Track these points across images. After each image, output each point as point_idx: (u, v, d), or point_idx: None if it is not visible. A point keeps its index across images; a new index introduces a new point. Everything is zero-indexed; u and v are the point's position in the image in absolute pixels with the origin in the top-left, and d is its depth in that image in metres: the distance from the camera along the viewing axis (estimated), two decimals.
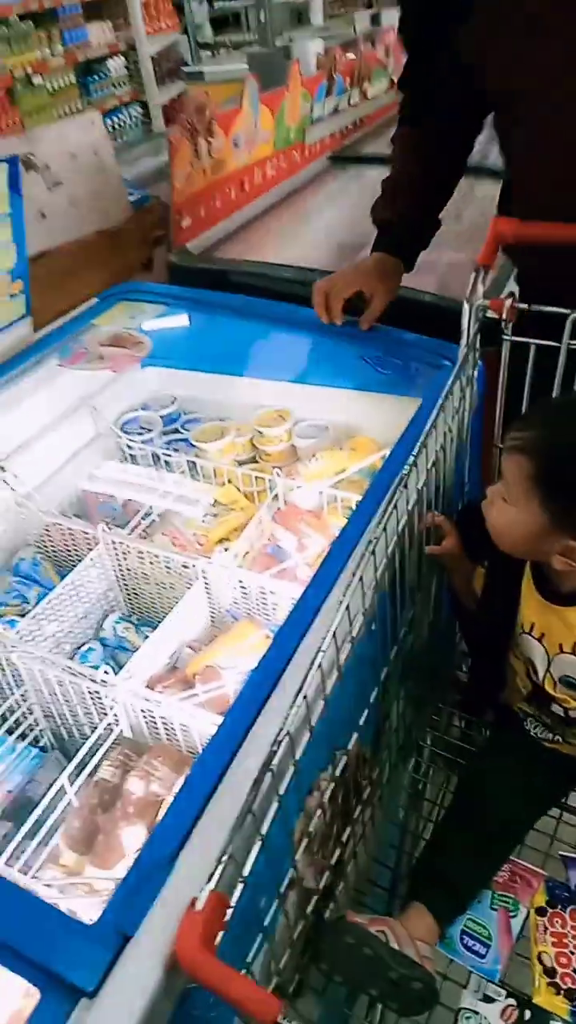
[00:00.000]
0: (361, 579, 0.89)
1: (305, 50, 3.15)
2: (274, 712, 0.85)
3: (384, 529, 0.94)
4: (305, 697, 0.77)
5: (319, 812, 0.90)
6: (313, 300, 1.60)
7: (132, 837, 1.05)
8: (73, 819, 1.09)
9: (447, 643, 1.49)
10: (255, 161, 2.56)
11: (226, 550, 1.42)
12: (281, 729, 0.74)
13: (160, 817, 0.92)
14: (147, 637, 1.28)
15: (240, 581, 1.33)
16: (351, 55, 3.23)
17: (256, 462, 1.68)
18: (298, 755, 0.77)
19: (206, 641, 1.36)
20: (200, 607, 1.37)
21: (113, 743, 1.16)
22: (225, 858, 0.65)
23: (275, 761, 0.72)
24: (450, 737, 1.34)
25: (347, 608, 0.86)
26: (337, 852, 1.00)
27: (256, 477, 1.56)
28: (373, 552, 0.92)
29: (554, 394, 1.23)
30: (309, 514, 1.52)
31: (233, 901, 0.65)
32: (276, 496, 1.51)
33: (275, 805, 0.72)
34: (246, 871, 0.67)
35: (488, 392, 1.36)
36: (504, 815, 1.08)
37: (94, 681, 1.14)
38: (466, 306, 1.21)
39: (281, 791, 0.74)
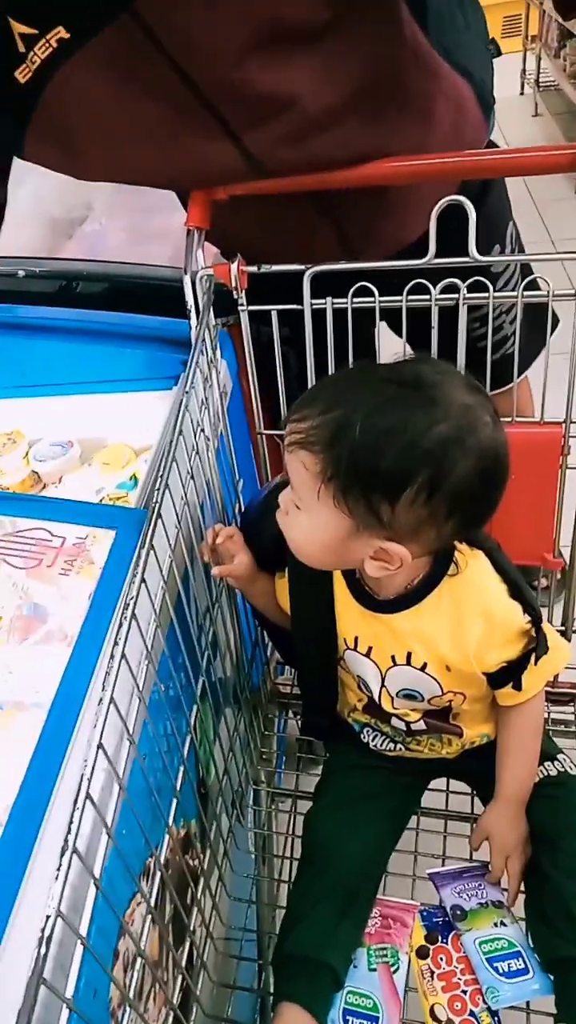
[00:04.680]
0: (124, 656, 0.70)
1: None
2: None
3: (142, 584, 0.74)
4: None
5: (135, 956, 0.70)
6: None
7: None
8: None
9: (259, 651, 1.33)
10: None
11: None
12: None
13: None
14: None
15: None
16: None
17: None
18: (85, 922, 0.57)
19: None
20: None
21: None
22: None
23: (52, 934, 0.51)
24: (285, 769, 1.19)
25: (111, 701, 0.66)
26: (179, 979, 0.81)
27: None
28: (133, 616, 0.73)
29: (308, 361, 1.07)
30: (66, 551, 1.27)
31: None
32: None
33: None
34: None
35: (241, 370, 1.19)
36: (353, 865, 0.93)
37: None
38: (187, 279, 1.01)
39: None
